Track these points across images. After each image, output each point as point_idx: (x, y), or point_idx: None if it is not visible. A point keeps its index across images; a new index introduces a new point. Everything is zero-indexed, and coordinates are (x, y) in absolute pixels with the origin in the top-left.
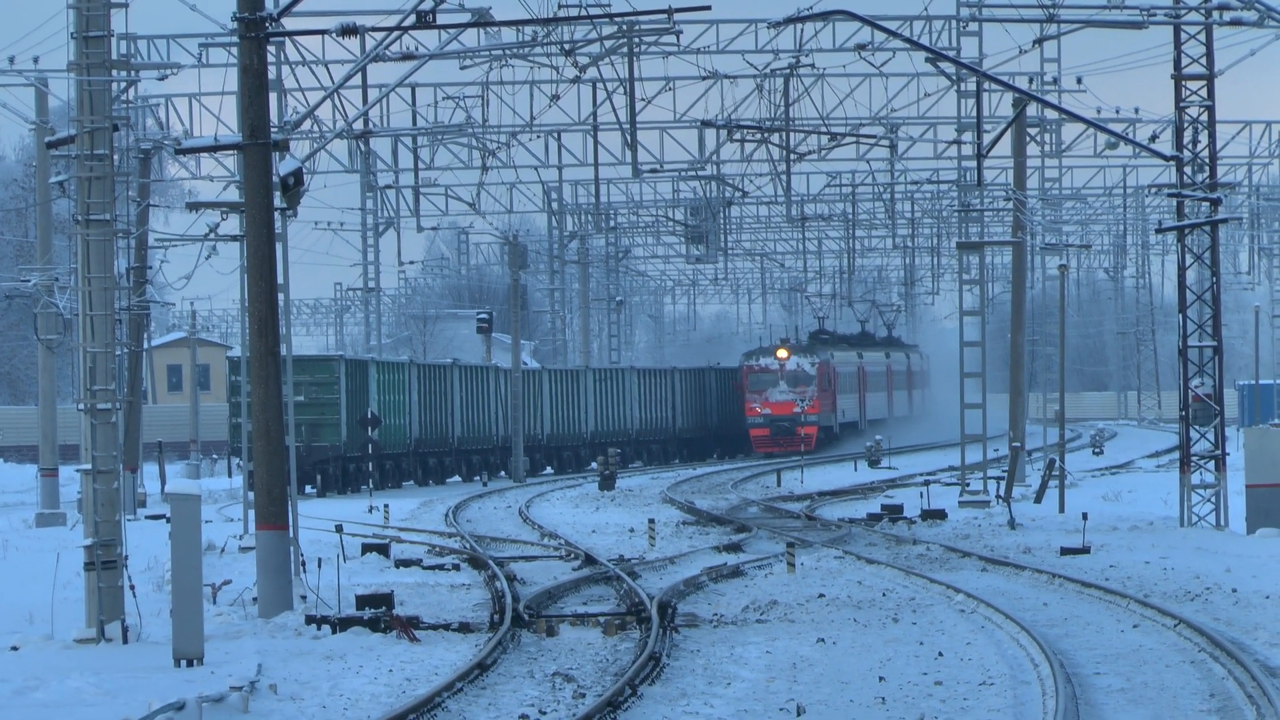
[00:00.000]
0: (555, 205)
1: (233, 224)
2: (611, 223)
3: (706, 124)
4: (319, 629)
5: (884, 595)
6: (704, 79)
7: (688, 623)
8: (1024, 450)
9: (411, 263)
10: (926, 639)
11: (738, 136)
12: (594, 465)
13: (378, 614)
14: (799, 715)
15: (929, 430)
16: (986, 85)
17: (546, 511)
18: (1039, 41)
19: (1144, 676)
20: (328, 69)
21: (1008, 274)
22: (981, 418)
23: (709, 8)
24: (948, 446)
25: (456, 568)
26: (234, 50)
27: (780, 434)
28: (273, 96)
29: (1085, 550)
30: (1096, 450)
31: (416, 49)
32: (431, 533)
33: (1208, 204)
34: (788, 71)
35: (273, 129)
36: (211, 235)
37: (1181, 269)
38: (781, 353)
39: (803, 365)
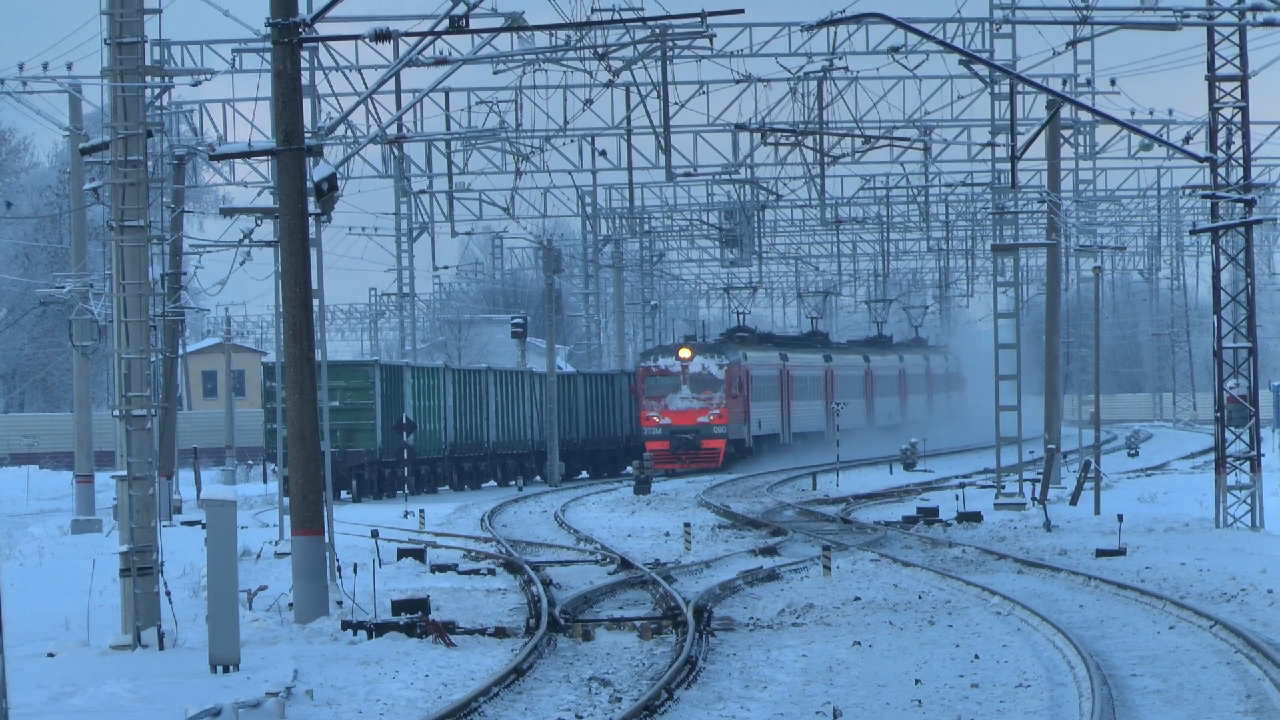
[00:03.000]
0: (589, 209)
1: (267, 229)
2: (646, 226)
3: (740, 127)
4: (355, 634)
5: (920, 598)
6: (737, 82)
7: (724, 626)
8: (1059, 452)
9: (446, 267)
10: (963, 641)
11: (771, 140)
12: (629, 469)
13: (414, 619)
14: (835, 718)
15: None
16: (1020, 87)
17: (582, 516)
18: (1072, 43)
19: (1180, 678)
20: (361, 74)
21: (1042, 276)
22: (1017, 420)
23: (742, 11)
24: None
25: (492, 572)
26: (267, 56)
27: (681, 447)
28: (306, 102)
29: (1121, 552)
30: (1132, 452)
31: (450, 54)
32: (467, 537)
33: (1242, 205)
34: (821, 74)
35: (307, 134)
36: (246, 241)
37: (1216, 270)
38: (684, 352)
39: (709, 367)
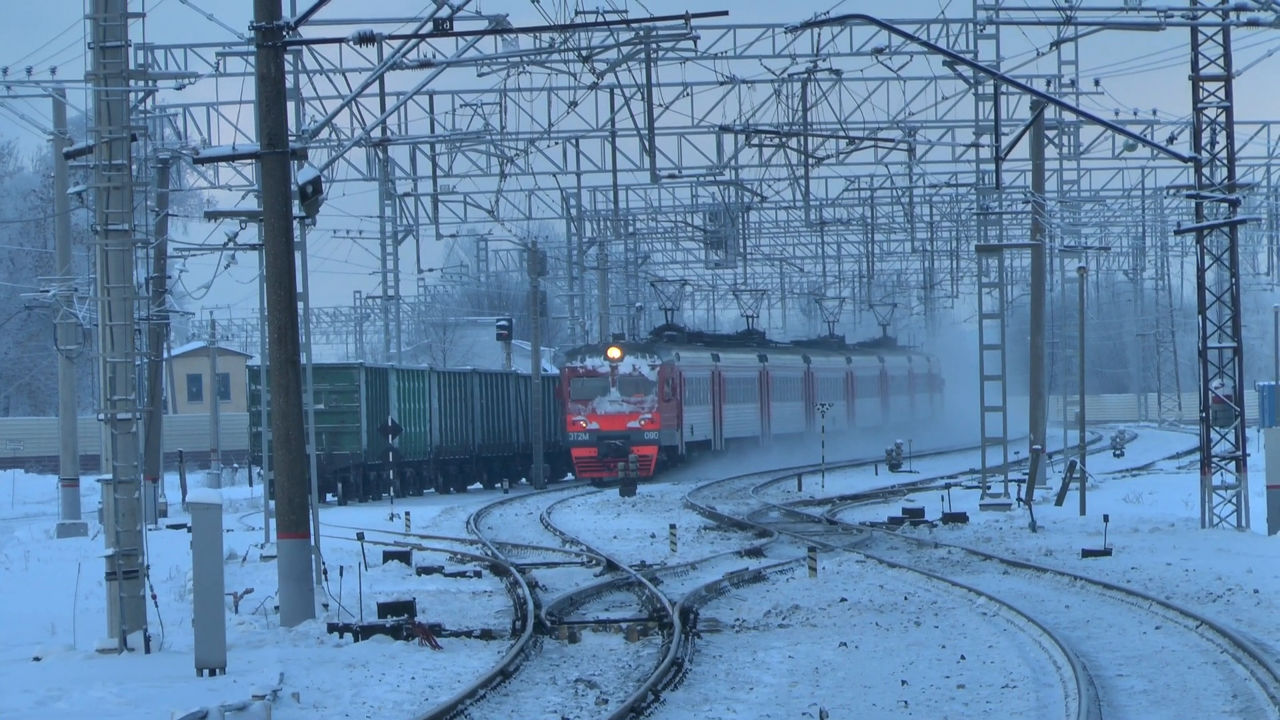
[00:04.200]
0: (574, 211)
1: (251, 233)
2: (630, 228)
3: (724, 129)
4: (341, 637)
5: (906, 599)
6: (722, 84)
7: (710, 628)
8: (1045, 453)
9: (431, 270)
10: (949, 642)
11: (756, 141)
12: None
13: (400, 622)
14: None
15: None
16: (1004, 88)
17: (568, 518)
18: (1056, 44)
19: (1166, 678)
20: (345, 77)
21: (1027, 276)
22: (1002, 421)
23: (726, 13)
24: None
25: (478, 575)
26: (251, 59)
27: (611, 454)
28: (290, 105)
29: (1107, 552)
30: (1117, 452)
31: (434, 56)
32: (453, 540)
33: (1226, 205)
34: (805, 76)
35: (291, 138)
36: (230, 244)
37: (1200, 270)
38: (613, 352)
39: (640, 368)
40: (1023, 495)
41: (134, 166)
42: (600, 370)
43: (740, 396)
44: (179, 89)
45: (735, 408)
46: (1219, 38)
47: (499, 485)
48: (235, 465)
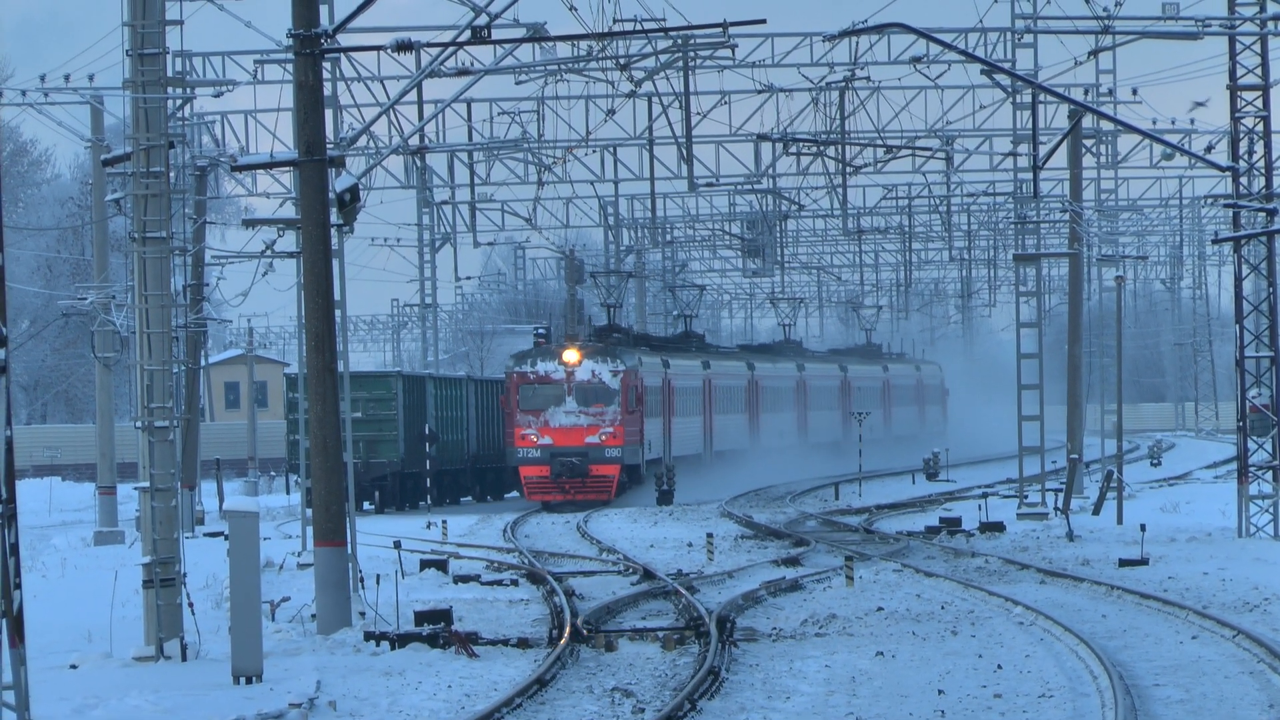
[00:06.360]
0: (611, 219)
1: (289, 240)
2: (668, 236)
3: (762, 137)
4: (378, 645)
5: (943, 608)
6: (759, 92)
7: (746, 637)
8: (1082, 462)
9: (468, 278)
10: (985, 651)
11: (793, 150)
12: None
13: (436, 630)
14: None
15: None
16: (1042, 97)
17: (605, 527)
18: (1094, 53)
19: (1203, 688)
20: (383, 85)
21: (1064, 285)
22: (1039, 430)
23: (764, 21)
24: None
25: (515, 583)
26: (289, 67)
27: (566, 474)
28: (328, 113)
29: (1144, 562)
30: (1154, 462)
31: (472, 64)
32: (490, 548)
33: (1264, 214)
34: (843, 84)
35: (329, 145)
36: (268, 252)
37: (1238, 279)
38: (570, 355)
39: (600, 374)
40: (1060, 505)
41: (172, 174)
42: (554, 376)
43: (688, 409)
44: (217, 96)
45: (684, 421)
46: (1256, 47)
47: None
48: (272, 473)
